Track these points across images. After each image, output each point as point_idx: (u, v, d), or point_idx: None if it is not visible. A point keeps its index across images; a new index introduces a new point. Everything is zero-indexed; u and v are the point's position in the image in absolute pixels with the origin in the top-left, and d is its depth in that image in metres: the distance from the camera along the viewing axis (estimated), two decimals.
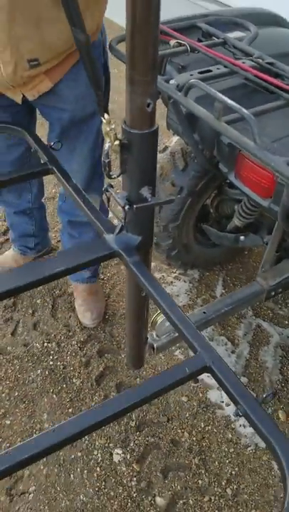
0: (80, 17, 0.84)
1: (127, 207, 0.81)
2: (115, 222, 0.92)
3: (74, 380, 1.68)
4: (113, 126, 0.76)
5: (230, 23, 1.49)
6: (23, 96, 1.27)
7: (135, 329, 1.28)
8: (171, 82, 1.12)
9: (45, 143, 1.14)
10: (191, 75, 1.14)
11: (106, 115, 0.78)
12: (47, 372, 1.70)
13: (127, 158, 0.76)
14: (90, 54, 0.87)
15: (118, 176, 0.82)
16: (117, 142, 0.75)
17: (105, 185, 0.87)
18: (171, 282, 2.06)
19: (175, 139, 1.72)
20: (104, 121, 0.77)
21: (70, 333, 1.83)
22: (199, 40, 1.38)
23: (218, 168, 1.32)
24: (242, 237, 1.77)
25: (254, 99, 1.19)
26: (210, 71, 1.17)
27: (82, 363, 1.73)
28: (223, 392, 1.65)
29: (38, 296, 1.97)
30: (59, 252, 0.89)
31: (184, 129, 1.26)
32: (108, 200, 0.90)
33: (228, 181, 1.73)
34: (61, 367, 1.72)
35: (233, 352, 1.80)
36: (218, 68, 1.19)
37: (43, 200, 1.95)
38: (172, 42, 1.31)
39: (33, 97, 1.27)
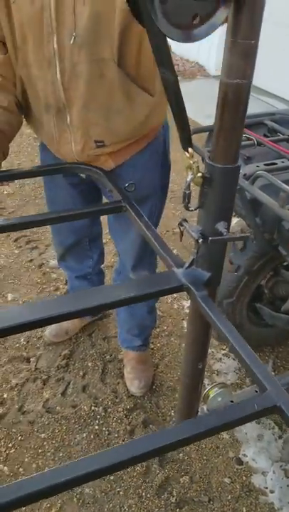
0: (170, 60, 0.79)
1: (200, 240, 0.82)
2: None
3: None
4: (196, 160, 0.78)
5: None
6: None
7: (187, 401, 1.31)
8: (241, 171, 1.24)
9: None
10: (258, 166, 1.26)
11: (190, 149, 0.79)
12: (92, 436, 1.72)
13: (207, 192, 0.79)
14: (177, 92, 0.83)
15: (196, 209, 0.83)
16: (199, 174, 0.77)
17: (180, 219, 0.88)
18: (220, 359, 2.07)
19: (235, 220, 1.83)
20: (187, 155, 0.79)
21: (117, 400, 1.86)
22: (265, 136, 1.52)
23: (277, 250, 1.40)
24: None
25: None
26: (275, 164, 1.28)
27: (127, 431, 1.74)
28: (267, 478, 1.60)
29: (89, 359, 2.03)
30: (130, 280, 0.92)
31: (248, 212, 1.36)
32: (182, 234, 0.91)
33: (284, 264, 1.78)
34: (106, 432, 1.74)
35: (280, 437, 1.75)
36: (282, 161, 1.30)
37: (102, 267, 2.07)
38: None
39: None
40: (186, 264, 0.89)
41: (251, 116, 1.60)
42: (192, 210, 0.83)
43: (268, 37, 4.79)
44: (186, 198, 0.82)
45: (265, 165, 1.28)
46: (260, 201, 1.18)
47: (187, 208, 0.83)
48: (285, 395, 0.69)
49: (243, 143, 1.42)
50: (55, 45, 1.16)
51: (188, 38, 0.62)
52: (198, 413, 1.40)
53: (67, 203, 1.63)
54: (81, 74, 1.17)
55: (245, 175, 1.21)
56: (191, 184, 0.79)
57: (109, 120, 1.26)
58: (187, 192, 0.81)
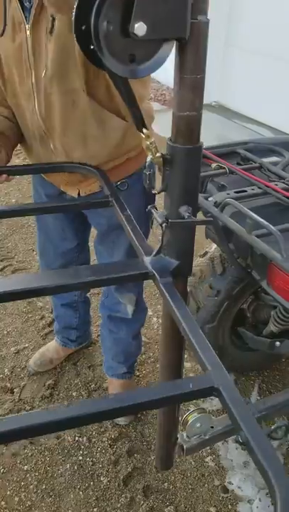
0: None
1: (164, 224, 0.80)
2: None
3: (102, 478, 1.66)
4: (153, 140, 0.77)
5: (267, 150, 1.69)
6: (79, 192, 1.48)
7: (165, 428, 1.30)
8: (210, 199, 1.28)
9: None
10: (228, 193, 1.30)
11: (144, 130, 0.77)
12: (76, 468, 1.70)
13: (169, 174, 0.77)
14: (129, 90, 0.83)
15: (159, 193, 0.82)
16: (159, 154, 0.76)
17: (149, 207, 0.87)
18: None
19: (214, 245, 1.86)
20: (143, 136, 0.77)
21: (101, 429, 1.84)
22: (238, 164, 1.57)
23: (251, 275, 1.42)
24: (277, 343, 1.80)
25: (286, 216, 1.31)
26: (245, 191, 1.32)
27: (111, 461, 1.72)
28: (253, 506, 1.58)
29: (74, 388, 2.02)
30: (95, 265, 0.91)
31: (221, 239, 1.38)
32: (152, 222, 0.92)
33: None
34: (90, 463, 1.71)
35: None
36: (252, 189, 1.34)
37: (88, 295, 2.09)
38: (213, 165, 1.50)
39: (85, 194, 1.48)
40: (154, 252, 0.88)
41: (225, 145, 1.65)
42: (156, 194, 0.83)
43: (258, 68, 4.95)
44: (147, 179, 0.80)
45: (236, 192, 1.31)
46: (231, 228, 1.21)
47: (150, 191, 0.82)
48: (227, 378, 0.67)
49: (216, 171, 1.47)
50: (33, 79, 1.24)
51: (135, 74, 0.67)
52: (178, 439, 1.39)
53: (58, 233, 1.71)
54: (55, 104, 1.24)
55: (215, 203, 1.25)
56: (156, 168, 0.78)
57: (86, 145, 1.33)
58: (147, 173, 0.79)
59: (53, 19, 1.12)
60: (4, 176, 1.31)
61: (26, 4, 1.16)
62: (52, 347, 2.14)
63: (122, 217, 1.10)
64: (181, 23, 0.65)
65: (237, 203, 1.15)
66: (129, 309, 1.75)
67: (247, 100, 5.07)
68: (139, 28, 0.62)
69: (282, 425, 1.39)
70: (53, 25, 1.13)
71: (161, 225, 0.81)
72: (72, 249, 1.78)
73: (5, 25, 1.22)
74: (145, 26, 0.62)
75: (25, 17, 1.17)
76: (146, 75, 0.68)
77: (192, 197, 0.80)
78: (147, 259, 0.88)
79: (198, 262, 1.91)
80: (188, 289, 1.87)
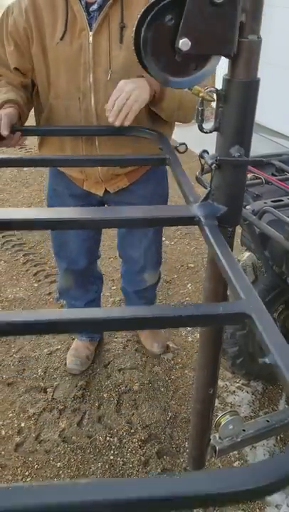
0: None
1: (213, 165, 0.78)
2: None
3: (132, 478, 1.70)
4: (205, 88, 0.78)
5: None
6: (105, 190, 1.65)
7: (199, 428, 1.34)
8: (248, 207, 1.32)
9: None
10: (265, 202, 1.34)
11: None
12: (107, 466, 1.74)
13: (223, 112, 0.75)
14: None
15: (210, 132, 0.79)
16: (212, 89, 0.75)
17: (200, 151, 0.84)
18: (234, 392, 2.09)
19: (246, 254, 1.90)
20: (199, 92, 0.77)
21: (131, 430, 1.89)
22: (273, 175, 1.62)
23: (286, 282, 1.46)
24: None
25: None
26: (281, 200, 1.36)
27: (141, 462, 1.76)
28: (281, 511, 1.59)
29: (105, 390, 2.07)
30: (143, 206, 0.92)
31: (257, 246, 1.43)
32: (202, 167, 0.89)
33: None
34: (121, 463, 1.76)
35: None
36: (288, 198, 1.38)
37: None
38: (250, 175, 1.55)
39: (113, 190, 1.67)
40: (202, 198, 0.86)
41: (261, 156, 1.70)
42: (206, 133, 0.79)
43: (284, 82, 4.97)
44: (199, 115, 0.78)
45: (273, 201, 1.36)
46: (267, 235, 1.26)
47: (201, 129, 0.78)
48: (260, 306, 0.65)
49: (252, 181, 1.52)
50: (91, 80, 1.41)
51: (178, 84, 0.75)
52: (211, 441, 1.43)
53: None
54: None
55: (253, 211, 1.30)
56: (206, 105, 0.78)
57: (136, 143, 1.48)
58: (200, 108, 0.78)
59: (122, 29, 1.26)
60: (18, 134, 1.36)
61: (93, 14, 1.35)
62: (80, 346, 2.22)
63: (175, 172, 1.10)
64: (225, 41, 0.69)
65: (275, 210, 1.19)
66: (149, 282, 2.05)
67: (274, 114, 5.10)
68: (184, 44, 0.68)
69: None
70: (122, 35, 1.31)
71: (210, 166, 0.79)
72: (94, 246, 1.96)
73: (65, 30, 1.38)
74: (190, 42, 0.68)
75: (89, 24, 1.35)
76: (190, 85, 0.75)
77: (245, 137, 0.76)
78: (194, 205, 0.86)
79: None
80: None
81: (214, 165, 0.78)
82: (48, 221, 0.83)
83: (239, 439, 1.46)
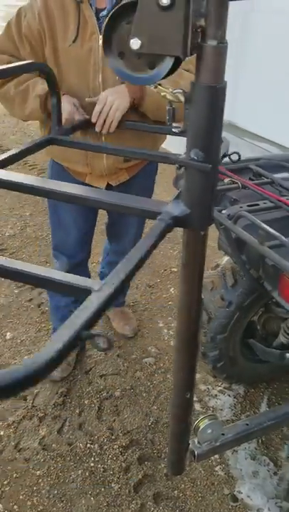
0: None
1: (178, 167, 0.80)
2: None
3: (112, 485, 1.69)
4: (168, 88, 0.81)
5: (278, 166, 1.75)
6: (107, 184, 1.74)
7: (178, 433, 1.33)
8: (224, 212, 1.33)
9: None
10: (241, 207, 1.35)
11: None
12: (87, 474, 1.73)
13: (188, 115, 0.76)
14: None
15: (179, 133, 0.82)
16: (180, 90, 0.76)
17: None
18: (216, 395, 2.09)
19: (226, 258, 1.91)
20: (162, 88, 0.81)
21: (113, 437, 1.87)
22: (250, 179, 1.63)
23: (263, 286, 1.47)
24: (287, 355, 1.83)
25: None
26: (257, 205, 1.37)
27: (122, 468, 1.75)
28: None
29: (86, 396, 2.05)
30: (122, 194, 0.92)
31: (233, 250, 1.43)
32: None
33: (274, 300, 1.84)
34: (101, 469, 1.74)
35: (275, 474, 1.75)
36: (264, 203, 1.39)
37: None
38: (226, 180, 1.56)
39: (115, 184, 1.77)
40: (173, 197, 0.87)
41: (238, 162, 1.71)
42: (176, 134, 0.84)
43: (266, 88, 5.03)
44: (170, 115, 0.79)
45: (248, 206, 1.37)
46: (243, 239, 1.26)
47: (171, 130, 0.83)
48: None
49: (229, 186, 1.53)
50: (100, 80, 1.51)
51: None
52: (190, 445, 1.43)
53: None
54: None
55: (229, 215, 1.30)
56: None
57: (141, 139, 1.57)
58: (169, 108, 0.80)
59: None
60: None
61: (102, 19, 1.44)
62: None
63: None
64: (174, 43, 0.71)
65: (250, 215, 1.20)
66: None
67: (256, 119, 5.16)
68: (134, 43, 0.72)
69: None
70: None
71: (177, 167, 0.82)
72: (87, 232, 2.01)
73: (77, 34, 1.47)
74: (139, 42, 0.72)
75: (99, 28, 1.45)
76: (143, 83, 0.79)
77: (205, 142, 0.76)
78: (168, 204, 0.86)
79: (209, 274, 1.96)
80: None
81: (176, 166, 0.81)
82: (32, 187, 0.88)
83: (218, 443, 1.46)
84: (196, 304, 1.14)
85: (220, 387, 2.13)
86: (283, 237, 1.09)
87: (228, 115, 6.07)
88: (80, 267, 2.07)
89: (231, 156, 1.26)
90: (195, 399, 2.07)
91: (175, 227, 0.85)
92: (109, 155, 1.64)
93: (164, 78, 0.81)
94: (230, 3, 0.72)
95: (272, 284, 1.40)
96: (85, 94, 1.54)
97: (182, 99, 0.79)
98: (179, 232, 0.86)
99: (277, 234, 1.10)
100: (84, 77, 1.53)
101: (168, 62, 0.78)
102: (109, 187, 1.77)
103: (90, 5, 1.49)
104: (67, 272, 2.28)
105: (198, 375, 2.19)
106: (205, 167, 0.76)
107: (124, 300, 2.50)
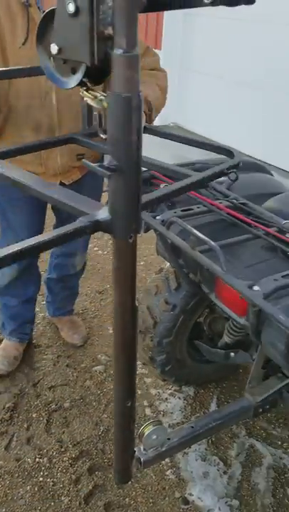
0: None
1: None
2: None
3: (62, 498, 1.66)
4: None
5: None
6: (60, 182, 1.76)
7: (122, 441, 1.32)
8: (158, 217, 1.33)
9: None
10: (175, 212, 1.36)
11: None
12: (36, 489, 1.68)
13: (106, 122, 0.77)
14: None
15: (102, 137, 0.86)
16: (102, 97, 0.79)
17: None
18: (166, 399, 2.10)
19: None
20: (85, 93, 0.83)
21: (62, 449, 1.84)
22: None
23: (201, 289, 1.48)
24: (232, 354, 1.87)
25: (231, 232, 1.39)
26: (191, 209, 1.39)
27: (72, 480, 1.72)
28: None
29: (34, 410, 2.01)
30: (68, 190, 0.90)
31: (170, 255, 1.44)
32: None
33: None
34: (51, 483, 1.71)
35: (225, 473, 1.77)
36: (198, 207, 1.41)
37: None
38: (162, 185, 1.57)
39: (68, 182, 1.79)
40: (105, 202, 0.88)
41: (173, 166, 1.73)
42: (100, 138, 0.86)
43: (212, 90, 5.13)
44: (85, 119, 0.85)
45: (182, 210, 1.38)
46: (177, 245, 1.27)
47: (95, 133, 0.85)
48: None
49: None
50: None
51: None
52: (136, 453, 1.42)
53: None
54: (72, 98, 1.55)
55: (163, 221, 1.31)
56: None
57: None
58: (84, 110, 0.85)
59: None
60: None
61: None
62: (8, 346, 2.22)
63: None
64: (83, 51, 0.73)
65: (181, 220, 1.21)
66: (78, 267, 2.24)
67: (202, 121, 5.25)
68: (53, 48, 0.77)
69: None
70: None
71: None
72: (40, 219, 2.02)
73: (27, 37, 1.47)
74: (57, 47, 0.77)
75: None
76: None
77: (118, 150, 0.76)
78: (101, 206, 0.87)
79: (153, 278, 1.96)
80: (145, 305, 1.92)
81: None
82: None
83: (164, 449, 1.46)
84: (130, 310, 1.14)
85: (170, 390, 2.14)
86: (212, 242, 1.10)
87: (175, 117, 6.18)
88: (30, 267, 2.08)
89: (230, 176, 1.32)
90: (145, 404, 2.07)
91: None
92: (63, 154, 1.69)
93: (81, 85, 0.83)
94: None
95: (209, 287, 1.42)
96: (35, 95, 1.56)
97: (106, 105, 0.81)
98: None
99: (206, 239, 1.11)
100: (36, 78, 1.51)
101: (82, 69, 0.79)
102: (63, 185, 1.80)
103: (39, 8, 1.51)
104: (17, 275, 2.24)
105: (148, 380, 2.19)
106: (104, 173, 0.77)
107: (72, 308, 2.47)
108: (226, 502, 1.67)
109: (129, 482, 1.70)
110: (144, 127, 1.44)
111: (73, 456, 1.81)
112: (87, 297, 2.74)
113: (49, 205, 1.89)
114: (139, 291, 2.17)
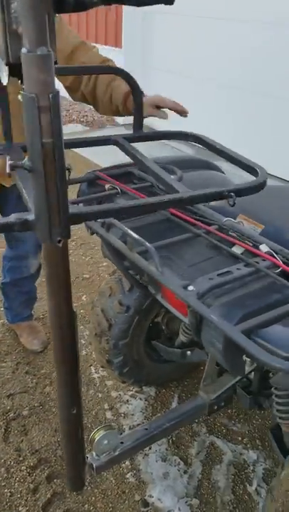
0: None
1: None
2: None
3: (20, 508, 1.62)
4: None
5: (164, 169, 1.76)
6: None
7: (70, 448, 1.30)
8: (99, 220, 1.31)
9: None
10: None
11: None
12: None
13: None
14: None
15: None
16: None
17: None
18: (127, 401, 2.09)
19: None
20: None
21: (20, 458, 1.80)
22: (134, 183, 1.63)
23: (148, 290, 1.47)
24: (188, 352, 1.87)
25: (175, 231, 1.38)
26: None
27: (30, 490, 1.69)
28: None
29: None
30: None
31: (114, 257, 1.42)
32: None
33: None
34: (8, 494, 1.67)
35: (185, 472, 1.77)
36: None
37: None
38: (107, 186, 1.55)
39: (8, 185, 1.83)
40: None
41: (120, 166, 1.71)
42: None
43: (174, 87, 5.15)
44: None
45: None
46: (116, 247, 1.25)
47: None
48: None
49: (108, 192, 1.51)
50: None
51: None
52: (88, 459, 1.40)
53: None
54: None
55: (103, 223, 1.29)
56: None
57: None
58: None
59: None
60: None
61: None
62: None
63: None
64: (4, 48, 0.76)
65: (118, 222, 1.19)
66: (32, 269, 2.24)
67: (173, 120, 5.26)
68: None
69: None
70: None
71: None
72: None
73: None
74: None
75: None
76: None
77: (30, 150, 0.77)
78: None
79: (107, 280, 1.94)
80: (100, 308, 1.90)
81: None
82: None
83: (117, 453, 1.45)
84: (66, 316, 1.12)
85: (131, 392, 2.13)
86: (146, 243, 1.08)
87: None
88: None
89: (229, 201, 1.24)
90: (106, 407, 2.05)
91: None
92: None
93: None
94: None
95: (156, 288, 1.41)
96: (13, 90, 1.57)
97: None
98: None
99: (141, 240, 1.09)
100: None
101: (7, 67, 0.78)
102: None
103: None
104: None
105: (109, 383, 2.17)
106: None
107: (31, 313, 2.43)
108: (186, 502, 1.67)
109: (88, 488, 1.68)
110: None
111: (31, 464, 1.77)
112: (47, 302, 2.70)
113: None
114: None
